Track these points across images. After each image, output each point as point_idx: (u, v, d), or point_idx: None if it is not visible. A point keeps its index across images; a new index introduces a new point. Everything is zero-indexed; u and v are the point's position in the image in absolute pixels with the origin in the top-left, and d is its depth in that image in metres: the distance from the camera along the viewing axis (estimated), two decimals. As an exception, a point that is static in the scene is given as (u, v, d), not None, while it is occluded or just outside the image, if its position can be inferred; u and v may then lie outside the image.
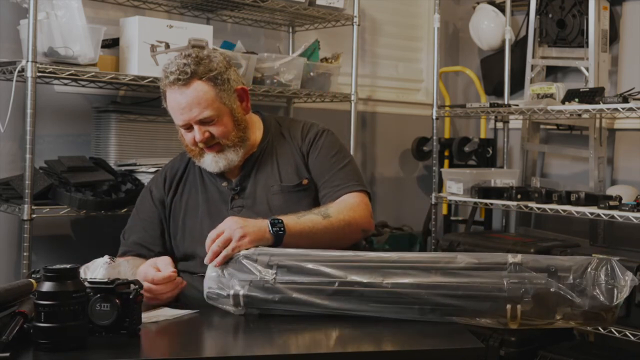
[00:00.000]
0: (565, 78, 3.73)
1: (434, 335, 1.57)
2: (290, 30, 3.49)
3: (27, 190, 2.33)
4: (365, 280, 1.62)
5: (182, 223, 2.05)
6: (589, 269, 1.59)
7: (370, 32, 3.92)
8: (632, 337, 2.61)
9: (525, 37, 3.67)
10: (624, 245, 3.11)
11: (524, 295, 1.57)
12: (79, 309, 1.39)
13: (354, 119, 3.22)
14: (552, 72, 3.77)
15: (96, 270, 1.74)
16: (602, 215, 2.72)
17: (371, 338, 1.56)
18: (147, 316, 1.62)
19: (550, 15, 3.56)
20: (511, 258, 1.62)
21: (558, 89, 3.22)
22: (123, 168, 2.66)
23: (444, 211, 4.05)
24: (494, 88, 3.99)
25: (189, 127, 1.96)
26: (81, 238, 2.88)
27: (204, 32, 2.71)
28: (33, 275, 1.62)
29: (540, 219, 3.73)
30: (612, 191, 3.11)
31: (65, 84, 2.74)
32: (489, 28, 3.85)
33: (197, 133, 1.94)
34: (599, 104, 2.82)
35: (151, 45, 2.56)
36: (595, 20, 3.28)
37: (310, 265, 1.64)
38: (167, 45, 2.58)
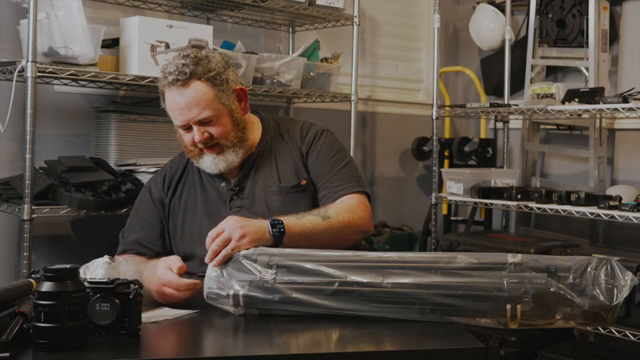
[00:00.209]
0: (565, 78, 3.73)
1: (434, 335, 1.57)
2: (290, 30, 3.49)
3: (27, 190, 2.33)
4: (365, 280, 1.62)
5: (181, 223, 2.05)
6: (588, 269, 1.59)
7: (370, 32, 3.92)
8: (632, 337, 2.61)
9: (525, 37, 3.67)
10: (624, 245, 3.11)
11: (524, 295, 1.57)
12: (79, 309, 1.39)
13: (354, 119, 3.22)
14: (552, 72, 3.77)
15: (96, 270, 1.74)
16: (602, 215, 2.72)
17: (371, 338, 1.56)
18: (147, 316, 1.62)
19: (550, 15, 3.56)
20: (511, 258, 1.62)
21: (558, 89, 3.22)
22: (123, 168, 2.66)
23: (444, 211, 4.05)
24: (494, 88, 3.99)
25: (188, 128, 1.96)
26: (81, 238, 2.88)
27: (204, 32, 2.71)
28: (33, 275, 1.62)
29: (540, 219, 3.73)
30: (612, 191, 3.11)
31: (65, 84, 2.74)
32: (489, 28, 3.85)
33: (196, 133, 1.94)
34: (599, 104, 2.82)
35: (151, 45, 2.56)
36: (595, 20, 3.29)
37: (310, 265, 1.64)
38: (167, 45, 2.58)
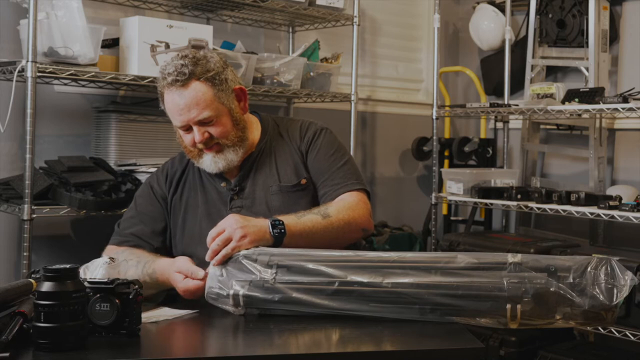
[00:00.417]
0: (565, 78, 3.73)
1: (434, 335, 1.57)
2: (290, 30, 3.49)
3: (27, 190, 2.33)
4: (365, 280, 1.62)
5: (182, 223, 2.05)
6: (588, 269, 1.59)
7: (370, 32, 3.92)
8: (632, 337, 2.61)
9: (525, 37, 3.67)
10: (624, 245, 3.11)
11: (524, 295, 1.57)
12: (79, 309, 1.39)
13: (354, 119, 3.22)
14: (552, 72, 3.77)
15: (96, 270, 1.74)
16: (602, 215, 2.72)
17: (371, 338, 1.56)
18: (147, 316, 1.62)
19: (550, 15, 3.56)
20: (511, 258, 1.62)
21: (558, 89, 3.22)
22: (123, 168, 2.66)
23: (444, 211, 4.05)
24: (494, 88, 3.99)
25: (187, 128, 1.96)
26: (81, 238, 2.88)
27: (204, 32, 2.71)
28: (33, 275, 1.62)
29: (540, 219, 3.73)
30: (612, 191, 3.11)
31: (65, 84, 2.74)
32: (489, 28, 3.85)
33: (197, 134, 1.94)
34: (599, 104, 2.82)
35: (151, 45, 2.56)
36: (595, 20, 3.29)
37: (310, 265, 1.64)
38: (167, 45, 2.58)
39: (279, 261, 1.66)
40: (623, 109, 2.73)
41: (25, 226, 2.34)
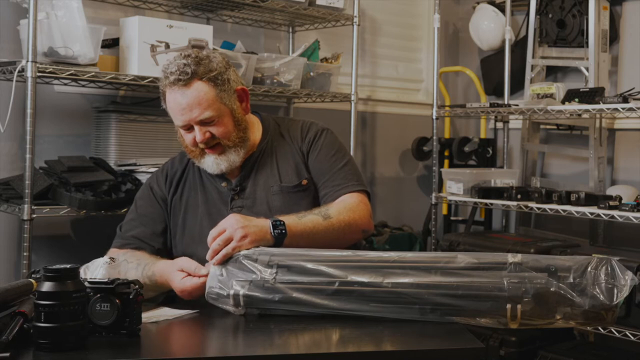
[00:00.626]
0: (565, 78, 3.73)
1: (434, 335, 1.57)
2: (290, 30, 3.49)
3: (27, 190, 2.33)
4: (365, 280, 1.62)
5: (182, 223, 2.05)
6: (589, 269, 1.59)
7: (370, 32, 3.92)
8: (632, 337, 2.61)
9: (525, 37, 3.67)
10: (624, 245, 3.11)
11: (524, 295, 1.57)
12: (79, 309, 1.39)
13: (354, 119, 3.22)
14: (552, 72, 3.77)
15: (96, 270, 1.74)
16: (602, 215, 2.72)
17: (371, 338, 1.56)
18: (147, 316, 1.62)
19: (550, 15, 3.56)
20: (511, 258, 1.62)
21: (558, 89, 3.22)
22: (123, 168, 2.66)
23: (444, 211, 4.05)
24: (494, 88, 3.99)
25: (189, 128, 1.96)
26: (81, 238, 2.88)
27: (204, 32, 2.71)
28: (33, 275, 1.62)
29: (540, 219, 3.73)
30: (612, 191, 3.11)
31: (65, 84, 2.74)
32: (489, 28, 3.85)
33: (198, 134, 1.94)
34: (599, 104, 2.82)
35: (151, 45, 2.56)
36: (595, 20, 3.29)
37: (310, 265, 1.64)
38: (167, 45, 2.58)
39: (279, 261, 1.66)
40: (623, 109, 2.73)
41: (25, 226, 2.34)
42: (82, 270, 1.72)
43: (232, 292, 1.65)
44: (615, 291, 1.57)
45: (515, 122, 3.81)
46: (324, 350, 1.53)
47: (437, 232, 3.55)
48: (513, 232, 3.78)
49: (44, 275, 1.39)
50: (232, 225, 1.73)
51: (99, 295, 1.46)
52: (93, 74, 2.45)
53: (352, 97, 3.21)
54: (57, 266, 1.39)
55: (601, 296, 1.56)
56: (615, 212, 2.68)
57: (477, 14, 3.95)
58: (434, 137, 3.48)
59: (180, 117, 1.94)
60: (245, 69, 2.86)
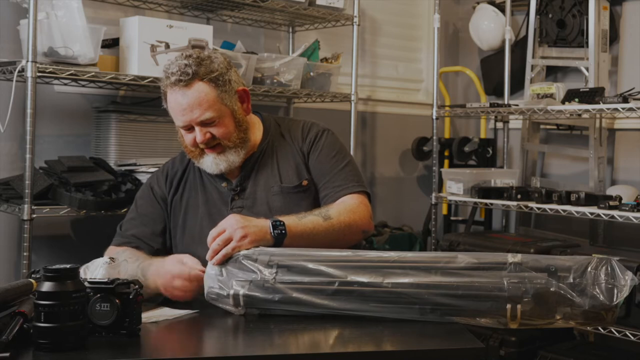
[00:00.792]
0: (565, 78, 3.73)
1: (434, 335, 1.57)
2: (290, 30, 3.49)
3: (27, 190, 2.33)
4: (365, 280, 1.62)
5: (182, 223, 2.05)
6: (589, 269, 1.59)
7: (370, 32, 3.92)
8: (632, 337, 2.61)
9: (525, 37, 3.67)
10: (624, 245, 3.11)
11: (524, 295, 1.57)
12: (79, 309, 1.39)
13: (354, 119, 3.22)
14: (552, 72, 3.77)
15: (96, 270, 1.74)
16: (602, 215, 2.72)
17: (371, 338, 1.56)
18: (147, 316, 1.62)
19: (550, 15, 3.56)
20: (511, 258, 1.62)
21: (558, 89, 3.22)
22: (123, 168, 2.66)
23: (444, 211, 4.05)
24: (494, 88, 3.99)
25: (189, 128, 1.96)
26: (81, 238, 2.88)
27: (204, 32, 2.71)
28: (33, 275, 1.62)
29: (540, 219, 3.73)
30: (612, 191, 3.11)
31: (65, 84, 2.74)
32: (489, 28, 3.85)
33: (198, 134, 1.94)
34: (599, 104, 2.82)
35: (151, 45, 2.56)
36: (595, 20, 3.29)
37: (310, 265, 1.64)
38: (167, 45, 2.58)
39: (279, 261, 1.66)
40: (623, 109, 2.73)
41: (25, 226, 2.34)
42: (82, 270, 1.72)
43: (232, 292, 1.65)
44: (615, 291, 1.57)
45: (515, 122, 3.81)
46: (324, 350, 1.53)
47: (437, 232, 3.55)
48: (513, 232, 3.78)
49: (43, 275, 1.39)
50: (232, 225, 1.73)
51: (98, 295, 1.46)
52: (93, 74, 2.45)
53: (352, 97, 3.21)
54: (57, 266, 1.39)
55: (601, 296, 1.56)
56: (615, 212, 2.68)
57: (477, 14, 3.95)
58: (434, 137, 3.48)
59: (181, 118, 1.94)
60: (245, 69, 2.86)
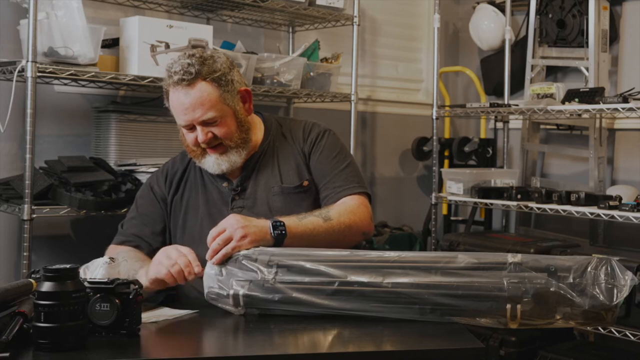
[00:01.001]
0: (565, 78, 3.73)
1: (434, 335, 1.57)
2: (290, 30, 3.49)
3: (27, 190, 2.33)
4: (365, 280, 1.62)
5: (182, 223, 2.05)
6: (588, 269, 1.59)
7: (370, 32, 3.92)
8: (632, 337, 2.61)
9: (525, 37, 3.67)
10: (624, 245, 3.11)
11: (524, 295, 1.57)
12: (79, 309, 1.39)
13: (354, 119, 3.22)
14: (552, 72, 3.77)
15: (96, 270, 1.74)
16: (602, 215, 2.72)
17: (371, 338, 1.56)
18: (147, 316, 1.62)
19: (550, 15, 3.56)
20: (511, 258, 1.62)
21: (558, 89, 3.22)
22: (123, 168, 2.66)
23: (444, 211, 4.05)
24: (494, 88, 3.99)
25: (191, 128, 1.96)
26: (81, 238, 2.88)
27: (204, 32, 2.71)
28: (33, 275, 1.62)
29: (540, 219, 3.73)
30: (612, 191, 3.11)
31: (65, 84, 2.74)
32: (489, 28, 3.85)
33: (200, 134, 1.94)
34: (599, 104, 2.82)
35: (151, 45, 2.56)
36: (595, 20, 3.29)
37: (310, 265, 1.64)
38: (167, 45, 2.58)
39: (279, 261, 1.66)
40: (623, 109, 2.72)
41: (25, 226, 2.34)
42: (82, 270, 1.72)
43: (232, 292, 1.65)
44: (615, 291, 1.57)
45: (515, 122, 3.81)
46: (324, 350, 1.53)
47: (437, 232, 3.55)
48: (513, 232, 3.78)
49: (43, 275, 1.39)
50: (232, 225, 1.73)
51: (98, 295, 1.46)
52: (93, 74, 2.45)
53: (352, 97, 3.21)
54: (57, 266, 1.39)
55: (601, 296, 1.56)
56: (615, 212, 2.68)
57: (477, 14, 3.95)
58: (434, 137, 3.48)
59: (183, 117, 1.94)
60: (245, 69, 2.86)
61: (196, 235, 1.99)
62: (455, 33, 4.35)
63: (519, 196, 3.08)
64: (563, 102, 3.05)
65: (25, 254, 2.35)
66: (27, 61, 2.31)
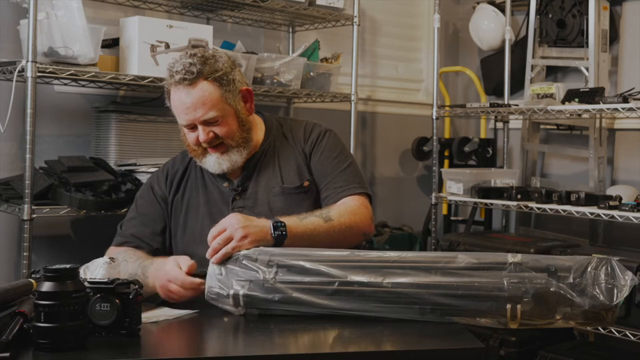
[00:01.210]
0: (565, 78, 3.74)
1: (434, 335, 1.57)
2: (290, 30, 3.49)
3: (27, 190, 2.33)
4: (365, 280, 1.62)
5: (183, 222, 2.05)
6: (589, 269, 1.59)
7: (370, 32, 3.92)
8: (632, 337, 2.61)
9: (525, 37, 3.67)
10: (624, 245, 3.11)
11: (524, 295, 1.57)
12: (79, 309, 1.39)
13: (354, 119, 3.22)
14: (552, 72, 3.77)
15: (96, 270, 1.74)
16: (602, 215, 2.72)
17: (371, 338, 1.56)
18: (147, 316, 1.62)
19: (550, 15, 3.56)
20: (511, 258, 1.62)
21: (558, 89, 3.22)
22: (123, 168, 2.66)
23: (444, 211, 4.05)
24: (494, 88, 3.99)
25: (192, 127, 1.96)
26: (81, 238, 2.88)
27: (204, 32, 2.71)
28: (33, 275, 1.62)
29: (540, 219, 3.73)
30: (612, 191, 3.11)
31: (65, 84, 2.74)
32: (489, 28, 3.85)
33: (201, 133, 1.94)
34: (599, 104, 2.82)
35: (151, 45, 2.56)
36: (595, 20, 3.29)
37: (310, 265, 1.64)
38: (167, 45, 2.58)
39: (279, 261, 1.66)
40: (623, 109, 2.73)
41: (25, 226, 2.34)
42: (82, 270, 1.72)
43: (232, 292, 1.65)
44: (615, 291, 1.57)
45: (515, 122, 3.81)
46: (324, 350, 1.53)
47: (437, 232, 3.55)
48: (513, 232, 3.78)
49: (43, 275, 1.39)
50: (232, 224, 1.73)
51: (98, 295, 1.46)
52: (93, 74, 2.45)
53: (352, 97, 3.21)
54: (57, 266, 1.39)
55: (601, 296, 1.56)
56: (615, 212, 2.68)
57: (477, 14, 3.95)
58: (434, 137, 3.48)
59: (184, 117, 1.94)
60: (245, 69, 2.86)
61: (197, 235, 1.99)
62: (455, 33, 4.35)
63: (519, 196, 3.08)
64: (563, 102, 3.05)
65: (25, 254, 2.35)
66: (27, 61, 2.31)
